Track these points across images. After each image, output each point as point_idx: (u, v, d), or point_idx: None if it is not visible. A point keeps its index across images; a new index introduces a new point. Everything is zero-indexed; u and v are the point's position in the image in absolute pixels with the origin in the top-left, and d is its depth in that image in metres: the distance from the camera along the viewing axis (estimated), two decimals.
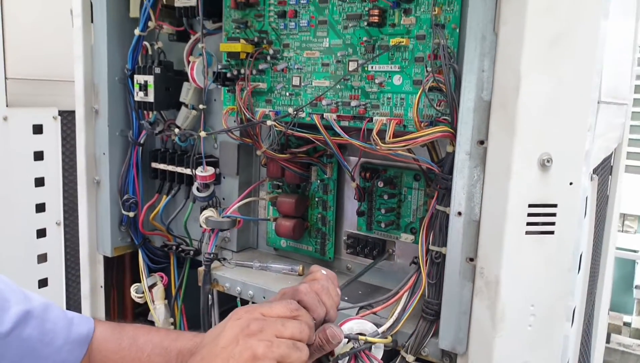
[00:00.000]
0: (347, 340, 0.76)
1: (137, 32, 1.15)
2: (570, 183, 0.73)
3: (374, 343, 0.77)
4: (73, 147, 2.04)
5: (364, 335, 0.79)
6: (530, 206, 0.73)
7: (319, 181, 1.10)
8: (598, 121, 0.84)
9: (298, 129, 0.97)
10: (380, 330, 0.81)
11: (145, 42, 1.19)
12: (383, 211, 1.01)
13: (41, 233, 1.99)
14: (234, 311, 0.65)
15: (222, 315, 1.15)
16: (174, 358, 0.79)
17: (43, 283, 1.96)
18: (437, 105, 0.83)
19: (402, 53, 0.87)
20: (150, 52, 1.19)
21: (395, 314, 0.84)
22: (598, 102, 0.83)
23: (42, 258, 1.99)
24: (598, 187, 1.11)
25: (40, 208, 1.98)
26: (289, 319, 0.64)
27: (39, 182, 1.96)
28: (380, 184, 1.00)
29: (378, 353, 0.81)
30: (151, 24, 1.14)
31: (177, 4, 1.10)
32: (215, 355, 0.59)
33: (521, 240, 0.73)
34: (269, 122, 0.98)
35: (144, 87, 1.15)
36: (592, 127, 0.76)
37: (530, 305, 0.75)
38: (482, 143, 0.75)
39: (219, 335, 0.62)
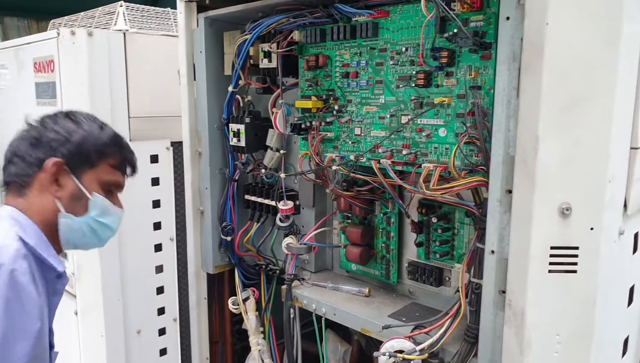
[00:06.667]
0: (388, 356, 0.91)
1: (230, 88, 1.39)
2: (591, 228, 0.83)
3: (410, 360, 0.91)
4: (183, 173, 2.36)
5: (403, 352, 0.94)
6: (552, 248, 0.83)
7: (382, 214, 1.25)
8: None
9: (359, 172, 1.14)
10: (419, 347, 0.95)
11: (238, 96, 1.42)
12: (438, 243, 1.14)
13: (158, 248, 2.31)
14: None
15: (303, 328, 1.34)
16: None
17: (160, 290, 2.28)
18: (475, 155, 0.96)
19: (445, 109, 1.00)
20: (241, 104, 1.42)
21: (437, 335, 0.97)
22: (635, 149, 0.91)
23: (159, 269, 2.32)
24: None
25: (157, 226, 2.30)
26: None
27: (156, 204, 2.29)
28: (435, 219, 1.13)
29: None
30: (241, 82, 1.37)
31: (261, 66, 1.31)
32: None
33: (544, 277, 0.84)
34: (334, 167, 1.16)
35: (237, 134, 1.38)
36: (615, 177, 0.84)
37: (555, 334, 0.85)
38: (510, 191, 0.87)
39: None
